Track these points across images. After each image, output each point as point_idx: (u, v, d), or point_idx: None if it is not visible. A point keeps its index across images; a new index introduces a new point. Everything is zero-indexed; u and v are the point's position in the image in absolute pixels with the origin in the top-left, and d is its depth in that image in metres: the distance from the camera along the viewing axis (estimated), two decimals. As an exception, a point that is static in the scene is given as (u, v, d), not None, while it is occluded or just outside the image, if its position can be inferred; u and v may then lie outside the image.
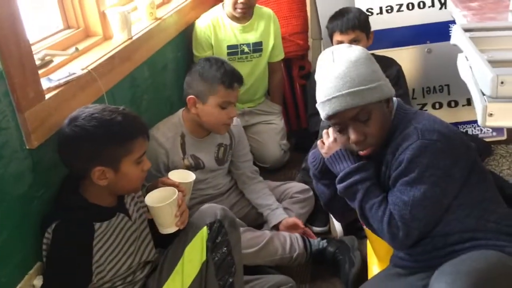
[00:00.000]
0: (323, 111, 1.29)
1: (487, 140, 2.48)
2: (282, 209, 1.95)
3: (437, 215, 1.24)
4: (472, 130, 2.50)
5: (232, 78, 1.79)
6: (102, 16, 1.73)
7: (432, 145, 1.20)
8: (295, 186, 2.05)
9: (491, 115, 0.94)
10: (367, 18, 2.21)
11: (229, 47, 2.35)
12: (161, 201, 1.35)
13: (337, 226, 1.92)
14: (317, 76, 1.31)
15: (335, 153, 1.35)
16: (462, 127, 2.50)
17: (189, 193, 1.36)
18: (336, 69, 1.26)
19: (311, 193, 2.02)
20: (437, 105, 2.54)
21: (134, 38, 1.79)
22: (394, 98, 1.35)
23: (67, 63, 1.54)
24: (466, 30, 1.16)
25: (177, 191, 1.37)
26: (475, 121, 1.75)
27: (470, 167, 1.24)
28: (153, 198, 1.37)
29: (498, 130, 2.45)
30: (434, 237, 1.24)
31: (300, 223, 1.88)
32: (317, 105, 1.31)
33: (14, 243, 1.20)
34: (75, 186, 1.31)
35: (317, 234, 1.98)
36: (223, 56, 2.34)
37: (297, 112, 2.81)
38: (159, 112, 1.98)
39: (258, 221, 2.01)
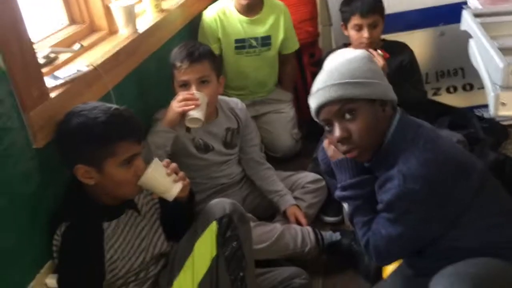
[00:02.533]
0: (311, 107, 1.28)
1: (503, 123, 2.41)
2: (291, 195, 1.93)
3: (419, 246, 1.22)
4: (488, 114, 2.44)
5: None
6: (107, 10, 1.71)
7: (413, 195, 1.14)
8: (307, 176, 2.03)
9: (503, 104, 0.90)
10: (382, 1, 2.16)
11: (236, 41, 2.30)
12: None
13: (350, 216, 1.89)
14: None
15: (338, 161, 1.33)
16: (478, 110, 2.44)
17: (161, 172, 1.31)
18: (329, 65, 1.25)
19: (323, 183, 2.00)
20: (451, 89, 2.49)
21: (139, 32, 1.78)
22: (399, 113, 1.26)
23: (72, 60, 1.53)
24: (477, 15, 1.11)
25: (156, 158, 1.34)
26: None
27: (466, 202, 1.17)
28: None
29: (515, 113, 2.38)
30: (439, 250, 1.22)
31: (303, 221, 1.86)
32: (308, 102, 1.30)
33: (25, 243, 1.21)
34: (80, 186, 1.29)
35: (330, 225, 1.97)
36: (231, 50, 2.30)
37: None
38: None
39: (269, 212, 2.00)
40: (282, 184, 1.97)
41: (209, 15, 2.30)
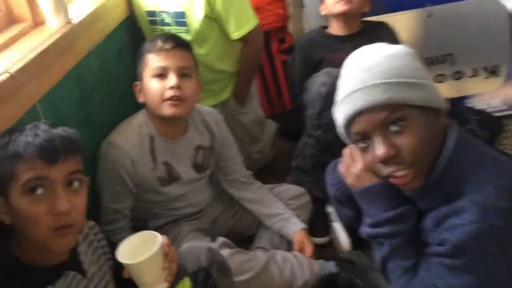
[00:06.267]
0: (341, 115, 0.97)
1: (497, 115, 2.19)
2: (296, 217, 1.60)
3: None
4: (479, 105, 2.21)
5: (158, 40, 1.43)
6: (28, -6, 1.31)
7: (492, 232, 0.87)
8: (287, 189, 1.71)
9: None
10: None
11: (148, 13, 1.78)
12: (138, 252, 0.97)
13: (342, 236, 1.61)
14: (340, 76, 0.99)
15: (369, 188, 1.02)
16: (468, 101, 2.20)
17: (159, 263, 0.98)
18: (363, 61, 0.94)
19: (308, 197, 1.70)
20: (439, 78, 2.22)
21: (74, 21, 1.38)
22: (456, 124, 0.99)
23: (-19, 64, 1.13)
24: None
25: (158, 235, 1.00)
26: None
27: None
28: (126, 250, 0.99)
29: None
30: None
31: (309, 249, 1.55)
32: (333, 111, 0.98)
33: None
34: (3, 240, 0.93)
35: (317, 246, 1.67)
36: (146, 25, 1.82)
37: (279, 92, 2.45)
38: (116, 111, 1.58)
39: (245, 235, 1.70)
40: (282, 204, 1.63)
41: None
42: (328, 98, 1.59)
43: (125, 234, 1.41)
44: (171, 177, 1.50)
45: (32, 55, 1.17)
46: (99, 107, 1.52)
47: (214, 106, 1.82)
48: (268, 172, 2.06)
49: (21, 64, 1.12)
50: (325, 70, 1.70)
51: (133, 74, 1.53)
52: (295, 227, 1.57)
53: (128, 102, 1.62)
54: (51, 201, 0.88)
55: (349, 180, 1.06)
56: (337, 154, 1.66)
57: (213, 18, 1.74)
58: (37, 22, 1.35)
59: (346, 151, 1.08)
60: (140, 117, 1.48)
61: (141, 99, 1.48)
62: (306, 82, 1.77)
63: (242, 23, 1.77)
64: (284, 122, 2.31)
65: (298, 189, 1.71)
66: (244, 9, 1.78)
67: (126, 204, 1.44)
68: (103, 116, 1.52)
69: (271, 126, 2.13)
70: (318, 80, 1.66)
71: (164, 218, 1.54)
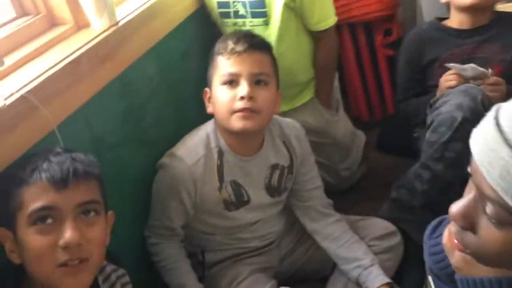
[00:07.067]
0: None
1: None
2: (378, 264, 1.28)
3: None
4: None
5: (229, 40, 1.20)
6: (69, -7, 1.14)
7: None
8: (375, 225, 1.38)
9: None
10: None
11: (220, 4, 1.54)
12: None
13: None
14: None
15: (474, 282, 0.70)
16: None
17: None
18: None
19: (399, 239, 1.36)
20: None
21: (121, 23, 1.19)
22: None
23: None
24: None
25: None
26: None
27: None
28: None
29: None
30: None
31: None
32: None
33: None
34: (15, 282, 0.81)
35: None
36: (216, 18, 1.59)
37: (381, 94, 2.08)
38: (176, 124, 1.39)
39: (316, 276, 1.43)
40: (364, 245, 1.32)
41: None
42: (462, 126, 1.21)
43: (179, 252, 1.28)
44: (239, 200, 1.27)
45: (56, 68, 0.99)
46: (153, 120, 1.33)
47: (286, 113, 1.55)
48: (358, 191, 1.74)
49: (37, 82, 0.94)
50: (465, 88, 1.29)
51: (201, 77, 1.31)
52: (376, 281, 1.25)
53: (191, 112, 1.42)
54: (59, 232, 0.77)
55: (453, 260, 0.73)
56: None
57: (291, 8, 1.48)
58: (80, 25, 1.18)
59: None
60: (208, 128, 1.27)
61: (209, 109, 1.26)
62: (437, 98, 1.36)
63: (326, 14, 1.54)
64: (384, 131, 1.95)
65: (389, 227, 1.38)
66: (329, 1, 1.55)
67: (178, 222, 1.26)
68: (158, 130, 1.33)
69: (361, 137, 1.79)
70: (453, 101, 1.27)
71: (225, 250, 1.34)
